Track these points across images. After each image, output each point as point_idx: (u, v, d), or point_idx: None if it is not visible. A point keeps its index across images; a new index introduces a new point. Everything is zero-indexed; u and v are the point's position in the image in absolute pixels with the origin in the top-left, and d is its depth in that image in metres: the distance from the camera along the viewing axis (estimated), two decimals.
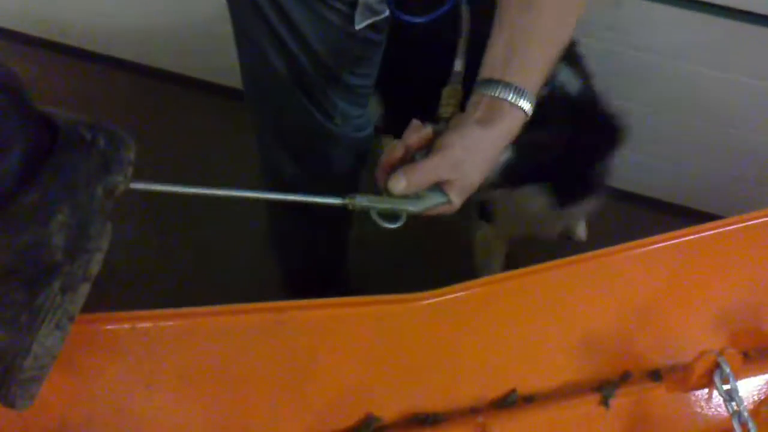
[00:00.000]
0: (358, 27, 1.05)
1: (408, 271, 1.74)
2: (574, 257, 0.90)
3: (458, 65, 0.96)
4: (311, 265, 1.51)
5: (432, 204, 0.83)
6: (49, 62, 2.02)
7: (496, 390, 0.88)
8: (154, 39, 2.07)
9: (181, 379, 0.80)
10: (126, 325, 0.78)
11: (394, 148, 0.85)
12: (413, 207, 0.83)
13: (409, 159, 0.85)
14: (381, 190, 0.84)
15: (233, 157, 1.81)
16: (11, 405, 0.62)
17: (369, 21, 1.06)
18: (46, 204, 0.66)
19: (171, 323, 0.80)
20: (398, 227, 0.84)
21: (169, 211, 1.78)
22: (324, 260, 1.52)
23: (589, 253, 0.91)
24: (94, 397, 0.77)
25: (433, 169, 0.82)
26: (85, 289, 0.65)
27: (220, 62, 1.95)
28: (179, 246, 1.79)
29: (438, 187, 0.83)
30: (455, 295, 0.87)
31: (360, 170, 1.30)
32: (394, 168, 0.83)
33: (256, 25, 1.06)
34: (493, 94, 0.83)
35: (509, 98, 0.83)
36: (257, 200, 0.87)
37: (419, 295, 0.87)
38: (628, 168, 1.66)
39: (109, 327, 0.78)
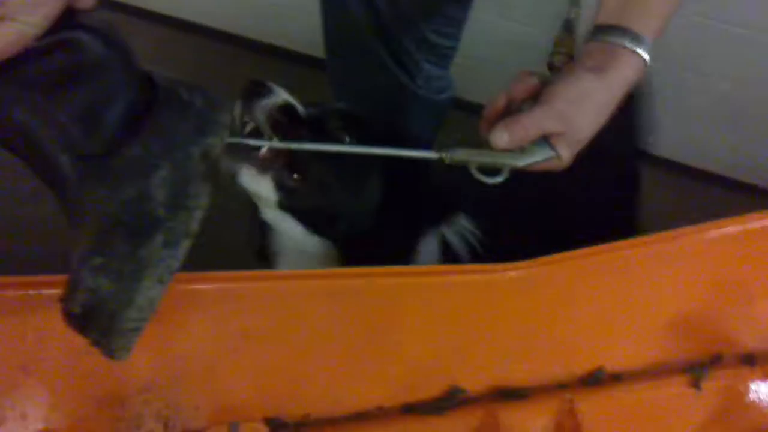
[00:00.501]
0: None
1: None
2: (665, 233, 0.87)
3: (572, 13, 0.91)
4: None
5: (538, 158, 0.77)
6: (122, 24, 2.01)
7: (583, 366, 0.86)
8: (228, 3, 2.08)
9: (267, 340, 0.79)
10: (216, 286, 0.77)
11: (496, 99, 0.79)
12: (516, 161, 0.77)
13: (515, 110, 0.79)
14: (482, 141, 0.79)
15: None
16: (110, 355, 0.62)
17: None
18: (148, 158, 0.66)
19: (259, 284, 0.79)
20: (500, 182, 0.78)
21: None
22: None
23: (681, 230, 0.87)
24: (182, 356, 0.76)
25: (538, 122, 0.75)
26: (186, 245, 0.65)
27: (291, 28, 1.96)
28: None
29: (545, 140, 0.77)
30: (542, 267, 0.85)
31: (437, 134, 1.28)
32: (497, 119, 0.77)
33: None
34: (608, 39, 0.77)
35: (626, 44, 0.76)
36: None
37: (505, 265, 0.84)
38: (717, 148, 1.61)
39: (198, 287, 0.77)
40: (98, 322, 0.60)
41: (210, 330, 0.77)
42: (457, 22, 1.12)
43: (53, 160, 0.65)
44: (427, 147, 1.26)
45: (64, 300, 0.62)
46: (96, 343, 0.62)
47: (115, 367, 0.73)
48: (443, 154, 0.76)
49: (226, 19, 2.12)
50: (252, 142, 0.83)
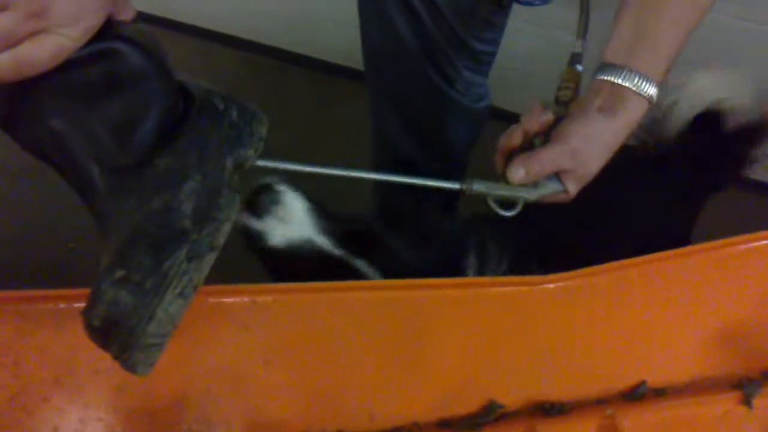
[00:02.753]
0: None
1: None
2: (712, 243, 0.82)
3: (578, 46, 0.89)
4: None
5: (548, 192, 0.79)
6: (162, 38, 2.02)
7: (624, 381, 0.81)
8: (263, 16, 2.07)
9: (299, 354, 0.76)
10: (246, 299, 0.75)
11: (513, 133, 0.80)
12: (529, 195, 0.79)
13: (527, 143, 0.80)
14: (498, 175, 0.81)
15: (338, 130, 1.79)
16: (132, 370, 0.60)
17: None
18: (178, 169, 0.64)
19: (291, 297, 0.76)
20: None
21: None
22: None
23: (728, 239, 0.82)
24: (213, 369, 0.74)
25: (552, 160, 0.77)
26: (210, 258, 0.62)
27: (325, 38, 1.94)
28: None
29: (555, 175, 0.79)
30: (584, 279, 0.80)
31: (474, 142, 1.25)
32: (512, 153, 0.79)
33: None
34: (616, 80, 0.78)
35: (633, 86, 0.77)
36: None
37: (546, 278, 0.80)
38: None
39: (229, 300, 0.74)
40: (118, 336, 0.58)
41: (241, 344, 0.74)
42: (497, 28, 1.08)
43: (84, 169, 0.63)
44: (465, 155, 1.25)
45: (86, 313, 0.59)
46: (117, 357, 0.59)
47: (145, 382, 0.71)
48: (464, 186, 0.78)
49: (263, 31, 2.11)
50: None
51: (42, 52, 0.56)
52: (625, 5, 0.80)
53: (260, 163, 0.71)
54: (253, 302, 0.75)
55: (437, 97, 1.10)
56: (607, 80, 0.78)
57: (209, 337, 0.74)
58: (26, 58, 0.56)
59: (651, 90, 0.78)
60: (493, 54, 1.12)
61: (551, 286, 0.80)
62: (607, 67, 0.79)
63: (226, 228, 0.64)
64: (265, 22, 2.08)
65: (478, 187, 0.78)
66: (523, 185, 0.78)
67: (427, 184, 0.79)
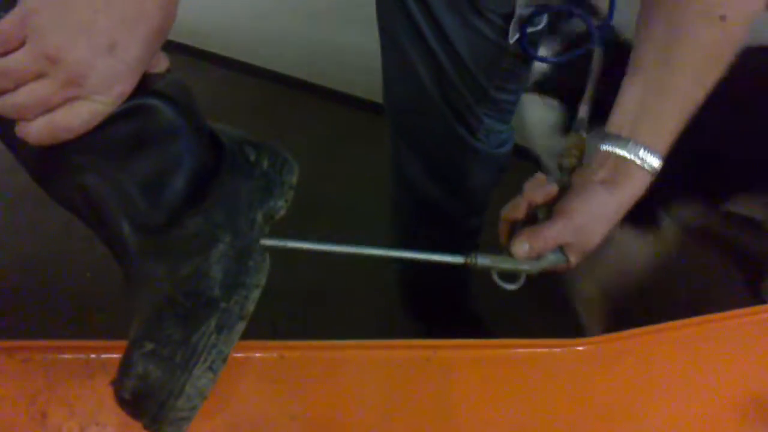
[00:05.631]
0: (511, 41, 0.97)
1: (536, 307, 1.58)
2: (762, 306, 0.79)
3: (582, 111, 0.86)
4: (437, 287, 1.42)
5: (550, 264, 0.78)
6: (183, 66, 2.04)
7: None
8: (285, 47, 2.06)
9: (326, 411, 0.73)
10: (274, 354, 0.73)
11: (517, 206, 0.79)
12: (532, 267, 0.77)
13: (531, 214, 0.80)
14: (501, 248, 0.80)
15: (356, 163, 1.77)
16: None
17: (541, 25, 0.98)
18: (208, 229, 0.61)
19: (319, 354, 0.74)
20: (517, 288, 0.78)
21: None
22: (451, 284, 1.42)
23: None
24: (240, 424, 0.71)
25: (556, 236, 0.76)
26: (240, 328, 0.60)
27: (349, 72, 1.92)
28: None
29: (558, 248, 0.78)
30: (617, 342, 0.78)
31: (496, 184, 1.22)
32: (515, 224, 0.79)
33: (404, 32, 0.99)
34: (620, 153, 0.76)
35: (638, 159, 0.76)
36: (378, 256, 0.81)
37: (572, 341, 0.77)
38: None
39: (257, 355, 0.73)
40: (148, 409, 0.56)
41: (268, 399, 0.72)
42: (519, 78, 1.06)
43: (116, 228, 0.61)
44: (485, 200, 1.23)
45: (116, 384, 0.58)
46: (147, 428, 0.58)
47: None
48: (468, 260, 0.76)
49: (285, 61, 2.10)
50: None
51: (77, 118, 0.55)
52: (631, 79, 0.79)
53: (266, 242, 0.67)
54: (281, 357, 0.73)
55: (458, 145, 1.09)
56: (611, 152, 0.77)
57: (236, 391, 0.71)
58: (61, 123, 0.55)
59: (655, 163, 0.76)
60: (514, 103, 1.10)
61: (582, 348, 0.77)
62: (611, 137, 0.78)
63: (256, 295, 0.62)
64: (287, 52, 2.06)
65: (483, 261, 0.76)
66: (526, 260, 0.77)
67: (432, 260, 0.77)
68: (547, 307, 1.53)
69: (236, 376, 0.72)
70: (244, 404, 0.72)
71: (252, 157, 0.69)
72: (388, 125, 1.16)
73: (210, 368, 0.57)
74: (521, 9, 0.94)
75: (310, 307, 1.58)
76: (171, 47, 0.64)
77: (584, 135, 0.85)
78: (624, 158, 0.76)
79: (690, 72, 0.76)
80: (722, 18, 0.74)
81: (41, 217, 1.56)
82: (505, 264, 0.77)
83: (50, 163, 0.61)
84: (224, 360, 0.58)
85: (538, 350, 0.78)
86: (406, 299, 1.48)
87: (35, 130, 0.55)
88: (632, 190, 0.77)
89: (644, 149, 0.76)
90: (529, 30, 0.96)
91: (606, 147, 0.78)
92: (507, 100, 1.07)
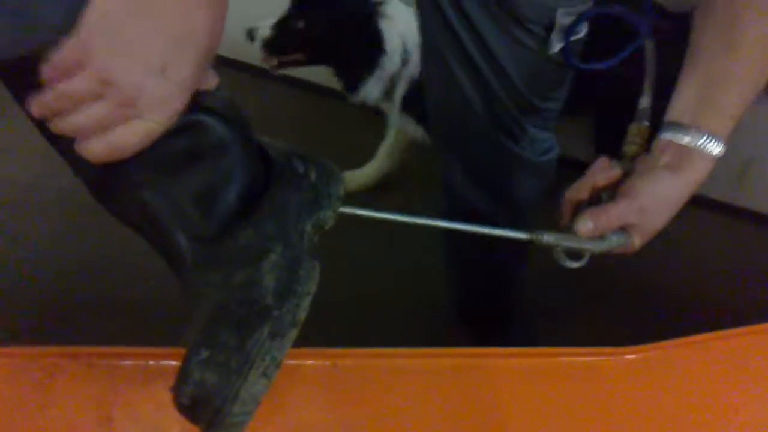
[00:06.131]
0: (552, 52, 0.97)
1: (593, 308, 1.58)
2: None
3: (644, 102, 0.87)
4: (490, 295, 1.42)
5: (614, 245, 0.79)
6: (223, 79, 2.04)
7: None
8: None
9: (377, 420, 0.75)
10: (327, 362, 0.75)
11: (581, 187, 0.81)
12: (596, 247, 0.78)
13: (594, 197, 0.81)
14: (563, 226, 0.81)
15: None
16: None
17: (582, 33, 0.98)
18: (259, 241, 0.63)
19: (371, 362, 0.76)
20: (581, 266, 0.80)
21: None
22: (503, 290, 1.42)
23: None
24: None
25: (620, 215, 0.77)
26: (292, 335, 0.61)
27: None
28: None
29: (622, 228, 0.79)
30: (662, 351, 0.78)
31: (542, 193, 1.22)
32: (579, 206, 0.80)
33: (447, 46, 1.00)
34: (682, 140, 0.77)
35: (700, 146, 0.76)
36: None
37: (620, 349, 0.78)
38: None
39: (310, 362, 0.75)
40: (205, 415, 0.58)
41: (321, 407, 0.74)
42: (563, 85, 1.06)
43: (172, 240, 0.64)
44: (533, 207, 1.23)
45: (175, 390, 0.60)
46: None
47: None
48: (533, 236, 0.77)
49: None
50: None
51: (132, 137, 0.57)
52: (692, 67, 0.79)
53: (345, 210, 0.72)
54: (335, 366, 0.75)
55: (503, 155, 1.09)
56: (673, 139, 0.78)
57: (290, 399, 0.73)
58: (117, 143, 0.57)
59: (717, 149, 0.77)
60: (556, 110, 1.10)
61: (626, 357, 0.78)
62: (673, 125, 0.79)
63: (307, 303, 0.63)
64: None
65: (548, 238, 0.77)
66: (590, 238, 0.78)
67: (494, 233, 0.79)
68: (597, 316, 1.53)
69: (289, 384, 0.74)
70: (296, 412, 0.74)
71: (300, 170, 0.71)
72: (434, 136, 1.17)
73: (264, 374, 0.59)
74: (562, 18, 0.94)
75: (361, 317, 1.59)
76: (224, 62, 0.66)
77: (647, 124, 0.85)
78: (687, 146, 0.77)
79: (751, 62, 0.76)
80: None
81: (109, 225, 1.58)
82: (570, 242, 0.78)
83: (109, 180, 0.63)
84: (278, 366, 0.60)
85: (585, 359, 0.78)
86: (456, 302, 1.49)
87: (94, 148, 0.58)
88: (695, 175, 0.78)
89: (707, 136, 0.76)
90: (572, 39, 0.96)
91: (668, 135, 0.79)
92: (551, 108, 1.07)
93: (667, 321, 1.45)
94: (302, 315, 0.63)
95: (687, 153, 0.77)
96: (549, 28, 0.95)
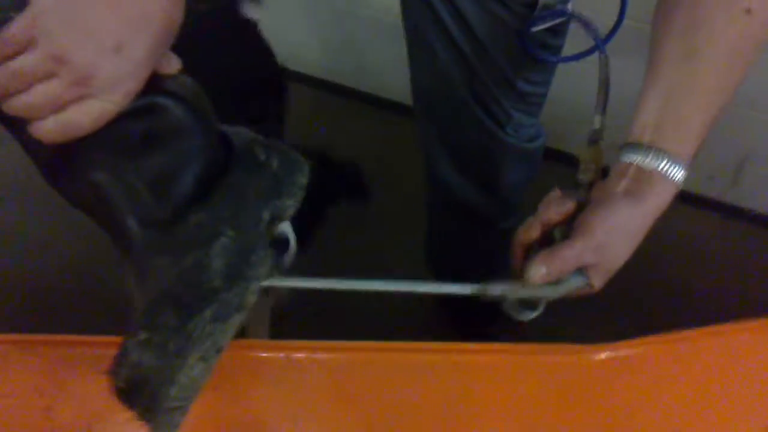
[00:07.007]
0: (534, 29, 0.94)
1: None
2: None
3: (597, 122, 0.78)
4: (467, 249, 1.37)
5: (572, 288, 0.70)
6: None
7: None
8: (334, 56, 2.07)
9: (330, 413, 0.72)
10: (281, 354, 0.72)
11: (530, 227, 0.72)
12: (552, 293, 0.70)
13: (547, 235, 0.72)
14: (516, 274, 0.72)
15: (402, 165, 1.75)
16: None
17: (548, 24, 0.95)
18: (212, 224, 0.62)
19: (326, 356, 0.72)
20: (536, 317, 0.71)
21: None
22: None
23: None
24: (243, 425, 0.71)
25: (576, 256, 0.69)
26: (237, 320, 0.59)
27: (391, 79, 1.93)
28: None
29: (579, 270, 0.70)
30: (639, 349, 0.75)
31: (529, 181, 1.20)
32: (530, 247, 0.72)
33: (428, 26, 0.98)
34: (642, 162, 0.69)
35: (661, 168, 0.68)
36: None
37: (594, 347, 0.74)
38: None
39: (263, 354, 0.72)
40: (141, 399, 0.55)
41: (271, 399, 0.71)
42: (547, 70, 1.05)
43: (123, 224, 0.62)
44: (519, 195, 1.20)
45: (112, 373, 0.58)
46: (141, 418, 0.57)
47: None
48: (479, 290, 0.69)
49: (324, 66, 2.11)
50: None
51: (86, 116, 0.56)
52: (651, 80, 0.72)
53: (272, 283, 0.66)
54: (287, 358, 0.72)
55: (488, 140, 1.07)
56: (632, 162, 0.70)
57: (241, 391, 0.71)
58: (70, 123, 0.56)
59: (680, 173, 0.69)
60: (543, 95, 1.08)
61: (600, 356, 0.74)
62: (632, 147, 0.71)
63: (255, 287, 0.61)
64: (338, 63, 2.07)
65: (495, 290, 0.69)
66: (544, 284, 0.70)
67: (441, 292, 0.70)
68: (588, 311, 1.50)
69: (241, 376, 0.71)
70: (248, 405, 0.71)
71: (262, 158, 0.69)
72: (418, 123, 1.15)
73: (203, 358, 0.56)
74: None
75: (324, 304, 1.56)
76: None
77: (599, 148, 0.77)
78: (646, 169, 0.70)
79: (713, 70, 0.70)
80: (747, 11, 0.68)
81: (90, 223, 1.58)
82: (521, 291, 0.70)
83: (62, 162, 0.61)
84: (218, 351, 0.57)
85: (553, 357, 0.75)
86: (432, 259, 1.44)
87: (46, 129, 0.56)
88: (657, 201, 0.70)
89: (668, 156, 0.69)
90: (541, 27, 0.94)
91: (626, 157, 0.71)
92: (534, 93, 1.05)
93: (659, 318, 1.44)
94: (250, 299, 0.61)
95: (647, 177, 0.70)
96: (531, 5, 0.92)
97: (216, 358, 0.58)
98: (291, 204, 0.68)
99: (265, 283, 0.64)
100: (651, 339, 0.75)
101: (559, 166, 1.36)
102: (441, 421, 0.73)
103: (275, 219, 0.68)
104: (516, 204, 1.23)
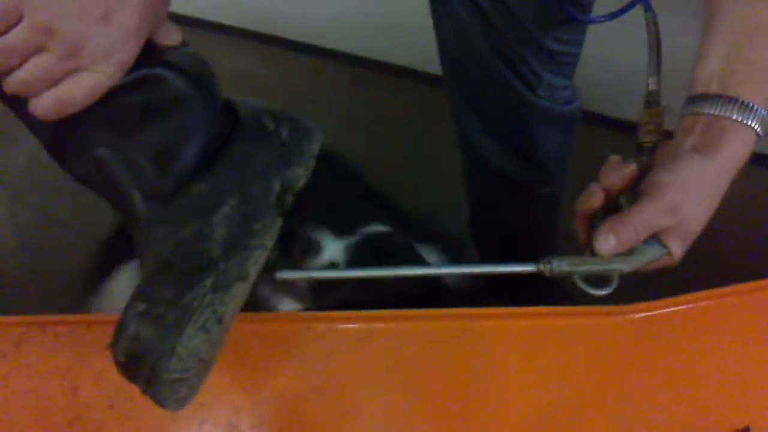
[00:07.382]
0: None
1: None
2: None
3: (653, 83, 0.73)
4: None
5: (648, 259, 0.64)
6: (263, 55, 2.01)
7: (722, 426, 0.69)
8: (361, 30, 2.01)
9: (354, 384, 0.70)
10: (302, 325, 0.70)
11: (592, 194, 0.66)
12: (626, 266, 0.64)
13: (612, 203, 0.66)
14: (581, 246, 0.67)
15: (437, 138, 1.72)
16: (162, 405, 0.56)
17: None
18: (212, 194, 0.60)
19: (348, 326, 0.71)
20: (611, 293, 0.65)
21: None
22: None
23: None
24: (266, 399, 0.69)
25: (648, 220, 0.62)
26: (239, 288, 0.57)
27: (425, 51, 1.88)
28: None
29: (654, 237, 0.63)
30: (678, 308, 0.70)
31: (567, 149, 1.15)
32: (594, 217, 0.66)
33: None
34: (711, 112, 0.63)
35: (734, 115, 0.62)
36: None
37: (630, 307, 0.70)
38: None
39: (284, 326, 0.70)
40: (142, 371, 0.54)
41: (294, 372, 0.69)
42: (577, 28, 0.99)
43: (128, 199, 0.61)
44: (558, 164, 1.15)
45: (112, 347, 0.57)
46: (145, 392, 0.56)
47: (197, 410, 0.68)
48: (541, 267, 0.64)
49: (336, 37, 2.04)
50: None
51: (79, 90, 0.55)
52: (713, 25, 0.66)
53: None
54: (309, 329, 0.70)
55: (520, 103, 1.02)
56: (700, 113, 0.64)
57: (262, 364, 0.69)
58: (65, 97, 0.55)
59: (757, 118, 0.62)
60: (575, 55, 1.02)
61: (637, 316, 0.70)
62: (697, 99, 0.65)
63: (258, 256, 0.59)
64: (328, 26, 2.02)
65: (559, 265, 0.64)
66: (615, 256, 0.64)
67: (500, 272, 0.66)
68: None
69: (261, 349, 0.70)
70: (270, 378, 0.70)
71: (270, 127, 0.68)
72: (448, 91, 1.11)
73: (203, 328, 0.54)
74: None
75: None
76: (204, 27, 0.64)
77: (659, 108, 0.71)
78: (717, 116, 0.63)
79: None
80: None
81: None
82: (590, 266, 0.64)
83: (64, 137, 0.61)
84: (219, 320, 0.56)
85: (588, 319, 0.71)
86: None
87: (42, 104, 0.56)
88: (732, 150, 0.63)
89: (741, 102, 0.62)
90: None
91: (693, 110, 0.65)
92: (565, 52, 0.99)
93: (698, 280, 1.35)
94: (251, 268, 0.59)
95: (719, 128, 0.63)
96: None
97: (219, 329, 0.56)
98: (302, 173, 0.67)
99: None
100: (697, 296, 0.71)
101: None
102: (468, 389, 0.70)
103: (287, 189, 0.66)
104: (555, 171, 1.17)
